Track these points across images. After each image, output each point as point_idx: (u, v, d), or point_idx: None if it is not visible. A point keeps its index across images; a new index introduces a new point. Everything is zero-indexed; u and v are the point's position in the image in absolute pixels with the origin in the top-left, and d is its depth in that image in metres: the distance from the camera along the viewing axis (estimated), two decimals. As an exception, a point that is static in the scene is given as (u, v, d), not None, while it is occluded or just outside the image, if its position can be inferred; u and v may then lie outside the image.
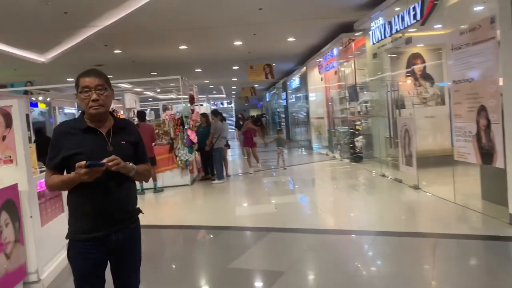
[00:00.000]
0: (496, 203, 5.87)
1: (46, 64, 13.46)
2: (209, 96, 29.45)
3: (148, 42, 12.26)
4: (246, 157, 11.70)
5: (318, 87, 16.21)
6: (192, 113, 12.05)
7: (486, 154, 5.38)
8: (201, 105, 23.81)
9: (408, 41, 7.67)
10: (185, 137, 10.00)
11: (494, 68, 5.13)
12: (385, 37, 8.62)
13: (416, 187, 7.62)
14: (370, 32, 9.38)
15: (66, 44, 11.98)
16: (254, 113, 43.52)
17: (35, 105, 20.52)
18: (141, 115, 9.54)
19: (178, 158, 9.93)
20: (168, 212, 7.92)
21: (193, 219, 6.91)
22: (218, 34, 12.00)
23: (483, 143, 5.41)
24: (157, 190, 9.55)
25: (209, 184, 10.20)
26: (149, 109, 25.18)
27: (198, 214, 7.30)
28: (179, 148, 9.99)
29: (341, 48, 12.23)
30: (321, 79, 15.46)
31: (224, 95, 41.55)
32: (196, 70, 19.31)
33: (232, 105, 53.98)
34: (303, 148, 18.37)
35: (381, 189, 8.37)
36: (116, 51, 13.23)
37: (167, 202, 8.81)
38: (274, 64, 18.23)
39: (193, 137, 10.00)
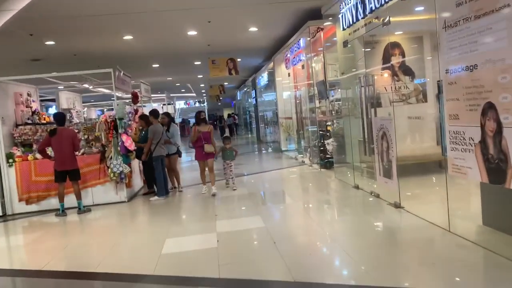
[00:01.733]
0: (503, 231, 4.41)
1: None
2: (173, 95, 27.46)
3: (84, 31, 10.40)
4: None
5: (286, 84, 14.59)
6: (135, 114, 10.29)
7: (495, 170, 3.84)
8: (165, 104, 22.10)
9: (386, 23, 6.11)
10: (119, 143, 8.22)
11: (507, 49, 3.59)
12: (357, 19, 7.04)
13: (397, 206, 6.07)
14: (340, 16, 7.79)
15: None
16: (228, 112, 41.78)
17: None
18: (59, 118, 7.70)
19: (110, 170, 8.15)
20: (66, 247, 6.14)
21: (97, 260, 5.09)
22: (165, 22, 10.25)
23: (491, 154, 3.87)
24: (81, 210, 7.75)
25: (148, 200, 8.46)
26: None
27: (111, 251, 5.50)
28: (111, 158, 8.21)
29: (309, 39, 10.63)
30: (288, 75, 13.85)
31: (193, 94, 39.67)
32: (153, 65, 17.48)
33: (205, 104, 52.02)
34: (271, 151, 16.75)
35: (354, 208, 6.79)
36: (48, 43, 11.31)
37: (79, 229, 7.05)
38: (239, 60, 16.58)
39: (129, 144, 8.22)
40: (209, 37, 12.48)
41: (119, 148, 8.20)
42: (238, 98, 36.39)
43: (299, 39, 11.42)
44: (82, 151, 8.35)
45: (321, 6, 9.10)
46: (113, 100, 8.60)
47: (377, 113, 7.73)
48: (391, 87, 7.10)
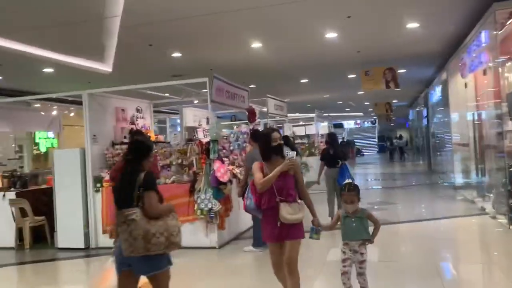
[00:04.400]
0: None
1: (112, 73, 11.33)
2: (331, 114, 25.04)
3: (206, 37, 9.06)
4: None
5: (462, 99, 10.90)
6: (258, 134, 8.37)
7: None
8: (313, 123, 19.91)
9: None
10: (211, 172, 6.38)
11: None
12: None
13: None
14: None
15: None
16: (401, 133, 37.46)
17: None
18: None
19: (196, 206, 6.35)
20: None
21: None
22: (294, 21, 8.18)
23: None
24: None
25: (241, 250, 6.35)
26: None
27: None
28: (199, 190, 6.41)
29: (495, 32, 7.19)
30: (465, 86, 10.23)
31: (360, 113, 36.71)
32: (302, 80, 15.58)
33: (376, 124, 48.17)
34: (441, 186, 12.98)
35: None
36: (174, 55, 10.38)
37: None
38: (403, 70, 13.48)
39: (222, 174, 6.29)
40: (355, 40, 9.93)
41: (210, 178, 6.36)
42: (410, 118, 32.01)
43: (480, 33, 7.98)
44: (172, 178, 6.78)
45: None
46: (219, 117, 6.85)
47: None
48: None
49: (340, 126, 49.66)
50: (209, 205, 6.29)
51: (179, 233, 3.22)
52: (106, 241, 6.99)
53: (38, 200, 7.67)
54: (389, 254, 5.93)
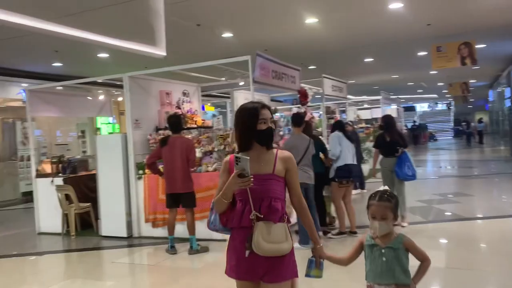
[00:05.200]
0: None
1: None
2: (400, 97, 23.26)
3: (264, 18, 8.41)
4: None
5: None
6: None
7: None
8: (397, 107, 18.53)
9: None
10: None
11: None
12: None
13: None
14: None
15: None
16: (480, 116, 34.43)
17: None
18: (172, 122, 5.77)
19: (238, 197, 5.82)
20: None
21: None
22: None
23: None
24: (194, 249, 5.67)
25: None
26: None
27: None
28: (241, 180, 5.87)
29: None
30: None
31: (434, 95, 34.16)
32: (365, 59, 14.44)
33: (451, 107, 44.82)
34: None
35: None
36: (225, 35, 9.85)
37: (174, 278, 4.86)
38: (483, 45, 11.98)
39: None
40: (424, 10, 8.75)
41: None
42: (490, 99, 29.21)
43: None
44: (214, 166, 6.30)
45: None
46: (280, 101, 6.25)
47: None
48: None
49: (411, 109, 47.00)
50: (251, 196, 5.72)
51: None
52: (149, 230, 6.73)
53: (86, 186, 7.58)
54: (460, 259, 5.02)
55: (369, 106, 19.75)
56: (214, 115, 16.92)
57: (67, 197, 7.15)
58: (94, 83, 11.63)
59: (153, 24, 8.54)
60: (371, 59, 14.36)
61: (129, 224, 6.81)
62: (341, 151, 6.18)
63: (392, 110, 19.36)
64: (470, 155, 20.18)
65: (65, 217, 7.19)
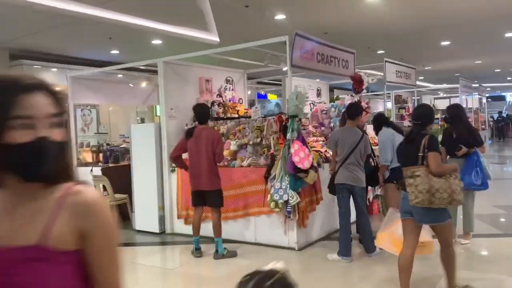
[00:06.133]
0: None
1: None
2: (484, 85, 20.70)
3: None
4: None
5: None
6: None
7: None
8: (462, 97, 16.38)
9: None
10: (289, 156, 5.07)
11: None
12: None
13: None
14: None
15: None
16: None
17: (264, 96, 18.46)
18: (199, 111, 5.18)
19: (270, 196, 5.14)
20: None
21: None
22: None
23: None
24: (220, 253, 5.10)
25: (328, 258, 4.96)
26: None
27: None
28: (273, 178, 5.17)
29: None
30: None
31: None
32: (442, 43, 12.88)
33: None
34: None
35: None
36: (278, 17, 9.10)
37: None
38: None
39: (302, 158, 4.92)
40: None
41: (286, 164, 5.07)
42: None
43: None
44: (248, 161, 5.67)
45: None
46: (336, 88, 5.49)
47: None
48: None
49: (500, 98, 42.67)
50: (285, 197, 5.02)
51: (462, 192, 3.39)
52: (181, 227, 6.29)
53: (126, 177, 7.32)
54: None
55: (447, 95, 17.95)
56: (277, 104, 16.28)
57: (105, 188, 6.93)
58: (142, 70, 11.44)
59: (201, 7, 8.04)
60: (448, 42, 12.77)
61: (161, 219, 6.42)
62: (395, 150, 5.27)
63: (475, 99, 17.45)
64: None
65: (102, 208, 6.97)
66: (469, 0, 8.23)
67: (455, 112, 5.33)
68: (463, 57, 16.04)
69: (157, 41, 10.88)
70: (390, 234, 3.92)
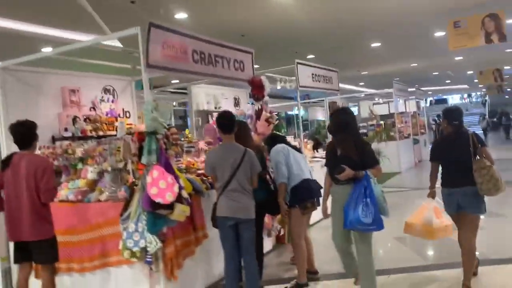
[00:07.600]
0: None
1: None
2: (426, 88, 20.44)
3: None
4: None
5: None
6: (256, 118, 5.59)
7: None
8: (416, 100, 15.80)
9: None
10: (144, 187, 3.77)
11: None
12: None
13: None
14: None
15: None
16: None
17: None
18: (20, 132, 3.79)
19: (122, 242, 3.82)
20: None
21: None
22: None
23: None
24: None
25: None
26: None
27: None
28: (128, 218, 3.85)
29: None
30: None
31: (465, 86, 31.11)
32: (372, 45, 12.13)
33: (486, 98, 41.18)
34: None
35: None
36: (178, 16, 7.86)
37: None
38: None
39: (163, 189, 3.63)
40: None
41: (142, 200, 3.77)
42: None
43: None
44: (105, 194, 4.31)
45: None
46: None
47: None
48: None
49: (443, 101, 43.75)
50: (142, 243, 3.71)
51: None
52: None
53: None
54: None
55: (385, 100, 17.35)
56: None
57: None
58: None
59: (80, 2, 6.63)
60: (378, 44, 12.05)
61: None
62: (291, 166, 4.18)
63: (412, 103, 16.93)
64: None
65: None
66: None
67: (342, 119, 3.70)
68: (397, 60, 15.52)
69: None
70: (417, 220, 3.98)
